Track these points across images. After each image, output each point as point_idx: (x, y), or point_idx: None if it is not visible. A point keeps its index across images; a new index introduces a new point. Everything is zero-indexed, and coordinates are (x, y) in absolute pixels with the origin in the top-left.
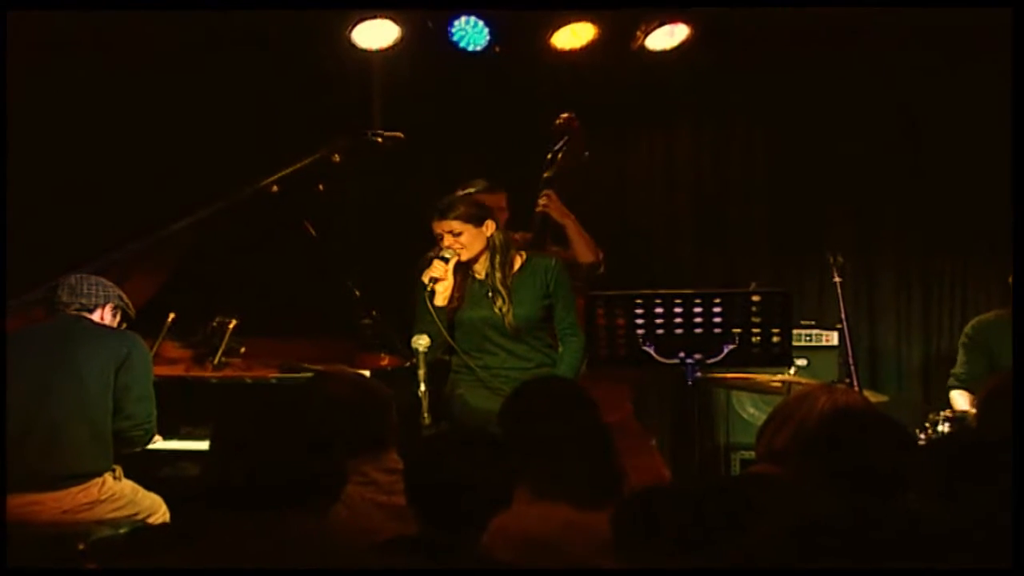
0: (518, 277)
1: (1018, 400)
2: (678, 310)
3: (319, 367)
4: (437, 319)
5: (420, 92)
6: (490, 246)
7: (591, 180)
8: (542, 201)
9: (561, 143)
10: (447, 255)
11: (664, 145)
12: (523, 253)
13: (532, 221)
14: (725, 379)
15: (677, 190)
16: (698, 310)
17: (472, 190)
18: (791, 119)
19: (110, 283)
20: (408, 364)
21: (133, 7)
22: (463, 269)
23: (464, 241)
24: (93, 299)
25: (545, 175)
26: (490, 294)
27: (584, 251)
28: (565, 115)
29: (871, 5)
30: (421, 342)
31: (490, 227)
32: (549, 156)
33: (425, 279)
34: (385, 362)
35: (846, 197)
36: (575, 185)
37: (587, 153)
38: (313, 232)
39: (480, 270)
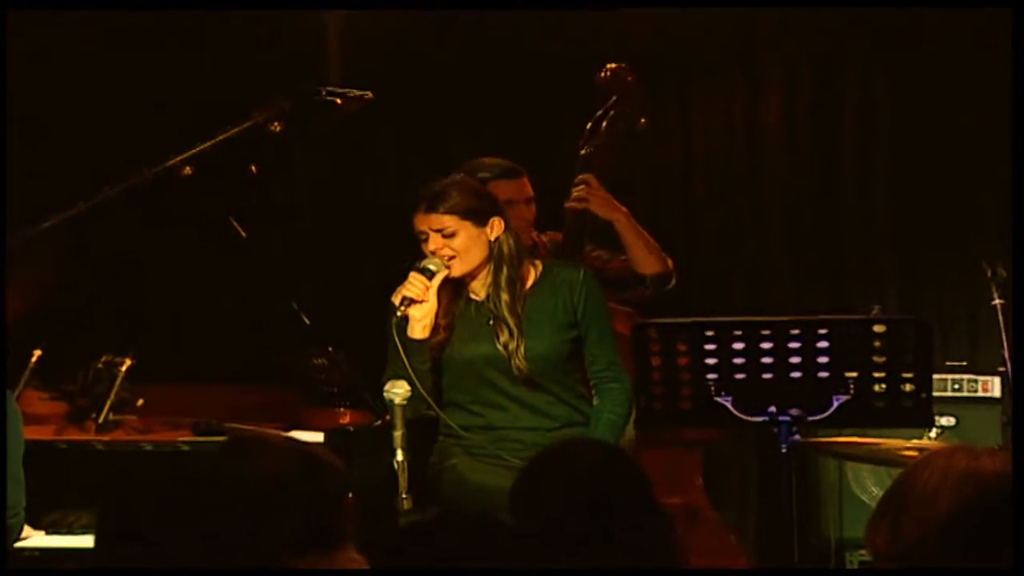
0: (533, 297)
1: (1018, 399)
2: (767, 345)
3: (248, 428)
4: (408, 362)
5: (397, 33)
6: (495, 254)
7: (649, 160)
8: (578, 191)
9: (607, 107)
10: (432, 266)
11: (745, 115)
12: (537, 263)
13: (565, 218)
14: (836, 445)
15: (764, 177)
16: (795, 345)
17: (485, 174)
18: (929, 81)
19: None
20: (379, 423)
21: (133, 7)
22: (453, 286)
23: (459, 246)
24: None
25: (583, 152)
26: (492, 322)
27: (646, 258)
28: (613, 67)
29: (873, 5)
30: (397, 391)
31: (496, 227)
32: (589, 126)
33: (396, 300)
34: (346, 419)
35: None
36: (626, 166)
37: (644, 121)
38: (242, 232)
39: (478, 288)
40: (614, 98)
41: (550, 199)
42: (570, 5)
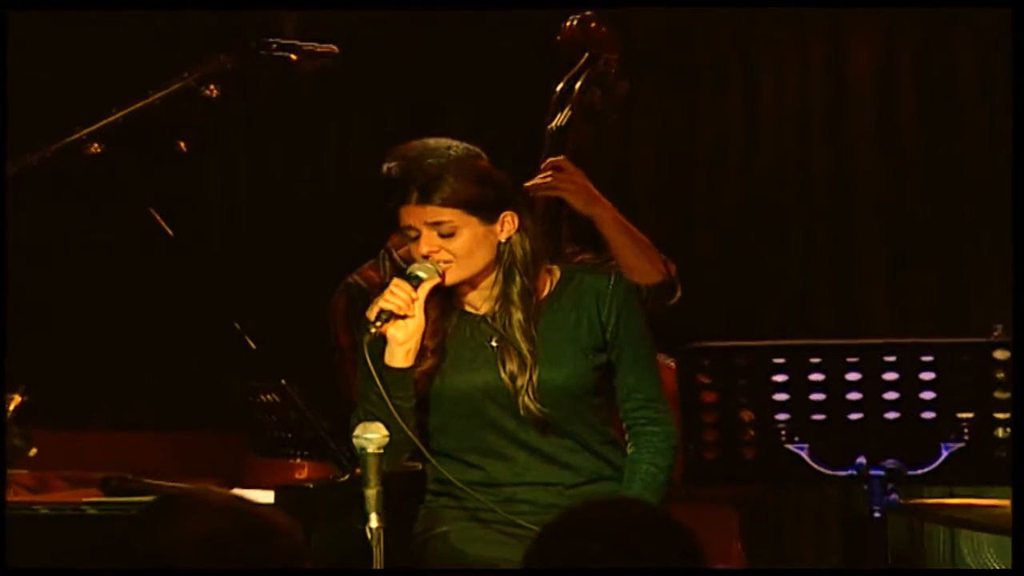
0: (549, 312)
1: (1018, 399)
2: (854, 376)
3: (176, 485)
4: (386, 395)
5: None
6: (504, 260)
7: (638, 134)
8: (543, 177)
9: (578, 67)
10: (420, 272)
11: (773, 75)
12: (554, 267)
13: (535, 211)
14: (946, 508)
15: (817, 163)
16: (892, 377)
17: (432, 161)
18: None
19: None
20: (346, 478)
21: (133, 6)
22: (442, 297)
23: (459, 247)
24: None
25: (551, 127)
26: (496, 343)
27: (638, 263)
28: (580, 16)
29: (874, 5)
30: (371, 436)
31: (509, 224)
32: (556, 93)
33: (372, 315)
34: (303, 474)
35: None
36: (609, 143)
37: (625, 83)
38: (168, 229)
39: (477, 300)
40: (586, 55)
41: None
42: (570, 5)
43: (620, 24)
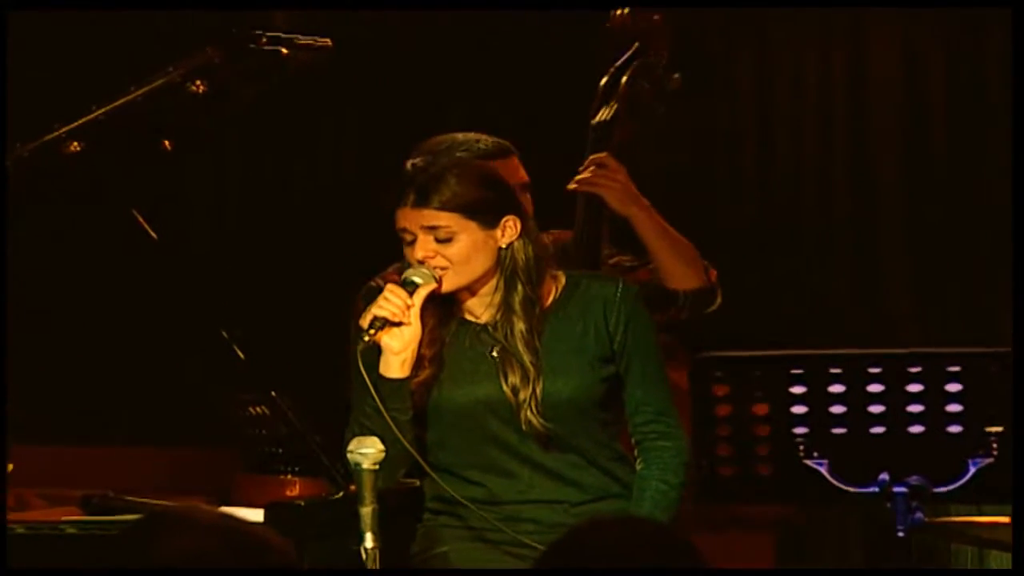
0: (554, 320)
1: (1018, 398)
2: (877, 388)
3: (159, 503)
4: (383, 407)
5: None
6: (505, 266)
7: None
8: (586, 174)
9: (625, 59)
10: (417, 277)
11: (818, 57)
12: (559, 274)
13: (576, 210)
14: (974, 527)
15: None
16: (917, 388)
17: (463, 155)
18: None
19: None
20: (340, 495)
21: (133, 6)
22: (440, 304)
23: (457, 253)
24: None
25: (596, 121)
26: (497, 354)
27: (676, 267)
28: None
29: (874, 5)
30: (366, 451)
31: (510, 229)
32: (603, 85)
33: (365, 323)
34: (294, 491)
35: None
36: (655, 140)
37: (677, 77)
38: (151, 232)
39: (477, 308)
40: (635, 45)
41: (551, 184)
42: (570, 5)
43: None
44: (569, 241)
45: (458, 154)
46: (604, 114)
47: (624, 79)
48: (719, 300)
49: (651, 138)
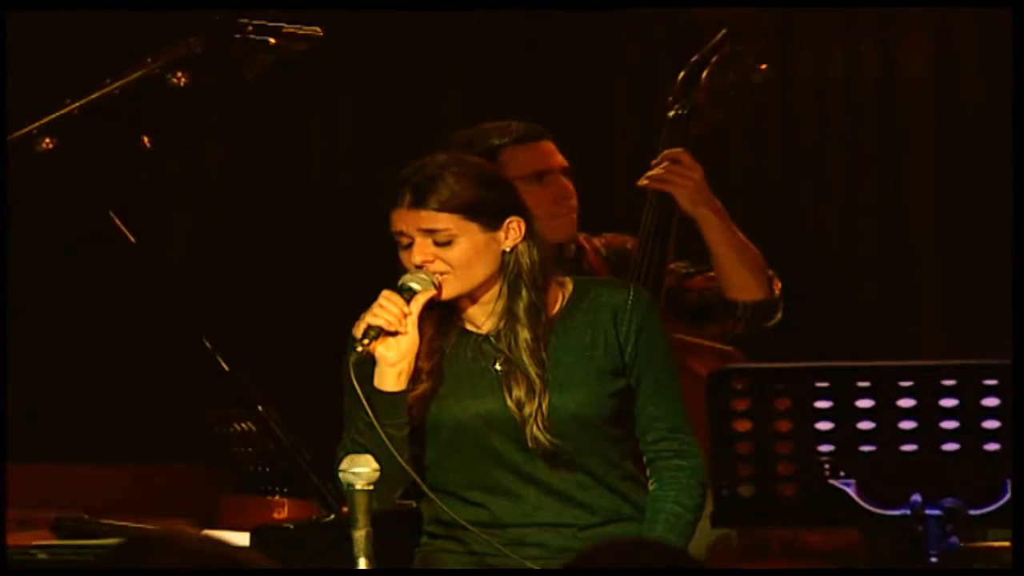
0: (561, 330)
1: (1018, 398)
2: (908, 402)
3: (138, 526)
4: (377, 422)
5: None
6: (509, 271)
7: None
8: (658, 170)
9: (710, 47)
10: (414, 283)
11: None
12: (566, 280)
13: (645, 209)
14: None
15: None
16: (950, 403)
17: (497, 140)
18: None
19: None
20: (331, 517)
21: (133, 6)
22: (440, 312)
23: (457, 258)
24: None
25: (672, 115)
26: (500, 366)
27: (742, 277)
28: None
29: (873, 5)
30: (359, 470)
31: (514, 231)
32: (682, 76)
33: (358, 332)
34: (283, 513)
35: None
36: (736, 136)
37: (764, 69)
38: (129, 235)
39: (479, 316)
40: (722, 32)
41: (602, 191)
42: (570, 5)
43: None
44: (629, 245)
45: (494, 140)
46: (682, 108)
47: (707, 68)
48: (779, 315)
49: (736, 135)
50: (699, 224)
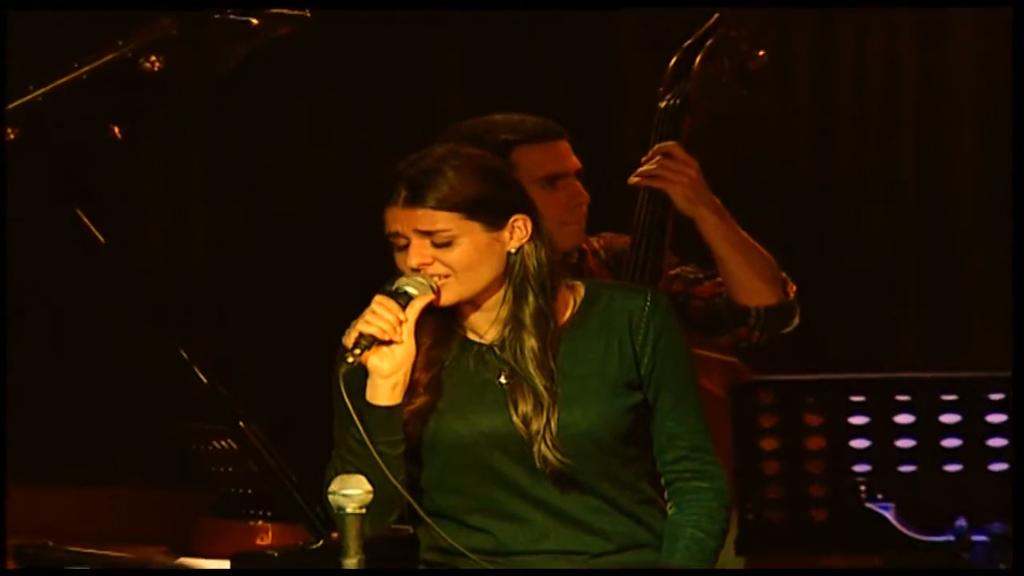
0: (571, 339)
1: (1018, 398)
2: (951, 418)
3: (109, 554)
4: (368, 439)
5: None
6: (515, 274)
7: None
8: (650, 165)
9: (702, 32)
10: (411, 288)
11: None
12: (577, 284)
13: (636, 208)
14: None
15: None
16: (999, 419)
17: (508, 137)
18: None
19: None
20: (319, 544)
21: (133, 6)
22: (439, 320)
23: (458, 260)
24: None
25: (664, 105)
26: (505, 379)
27: (750, 280)
28: None
29: (871, 5)
30: (350, 492)
31: (520, 231)
32: (673, 63)
33: (349, 341)
34: (266, 539)
35: None
36: (733, 128)
37: (762, 54)
38: (98, 235)
39: (481, 324)
40: (715, 17)
41: (602, 189)
42: (570, 5)
43: None
44: (624, 246)
45: (505, 136)
46: (674, 99)
47: (700, 55)
48: (797, 320)
49: (733, 127)
50: (697, 224)
